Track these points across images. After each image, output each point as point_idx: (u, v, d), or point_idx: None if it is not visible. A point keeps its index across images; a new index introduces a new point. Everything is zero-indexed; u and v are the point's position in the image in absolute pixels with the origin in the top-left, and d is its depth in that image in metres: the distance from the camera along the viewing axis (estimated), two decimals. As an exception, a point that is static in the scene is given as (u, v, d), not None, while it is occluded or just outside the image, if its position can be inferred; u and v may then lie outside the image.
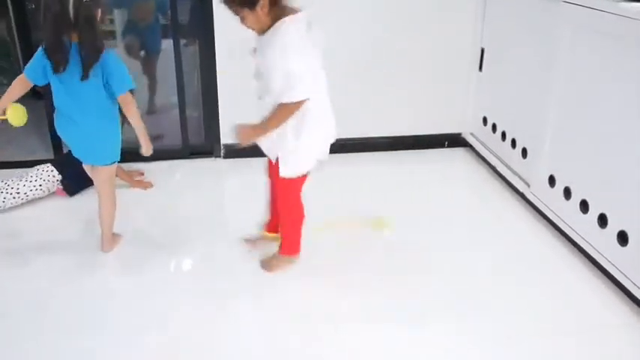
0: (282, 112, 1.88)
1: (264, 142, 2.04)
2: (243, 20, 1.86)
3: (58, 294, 2.12)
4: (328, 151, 2.13)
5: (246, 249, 2.37)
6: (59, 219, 2.65)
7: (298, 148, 1.98)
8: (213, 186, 3.08)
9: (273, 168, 2.12)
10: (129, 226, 2.51)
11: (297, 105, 1.86)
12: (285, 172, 2.02)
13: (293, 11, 1.87)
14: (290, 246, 2.24)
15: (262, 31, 1.87)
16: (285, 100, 1.85)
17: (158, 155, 3.26)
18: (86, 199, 2.74)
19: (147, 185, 2.95)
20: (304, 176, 2.09)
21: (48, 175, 2.77)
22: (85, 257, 2.33)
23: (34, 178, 2.73)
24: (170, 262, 2.35)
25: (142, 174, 3.05)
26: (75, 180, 2.77)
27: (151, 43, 3.43)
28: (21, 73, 2.08)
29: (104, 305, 2.07)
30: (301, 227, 2.21)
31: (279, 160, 2.01)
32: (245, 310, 2.09)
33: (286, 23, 1.82)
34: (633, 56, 2.01)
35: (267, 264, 2.26)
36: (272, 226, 2.38)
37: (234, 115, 3.17)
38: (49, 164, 2.81)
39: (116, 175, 2.43)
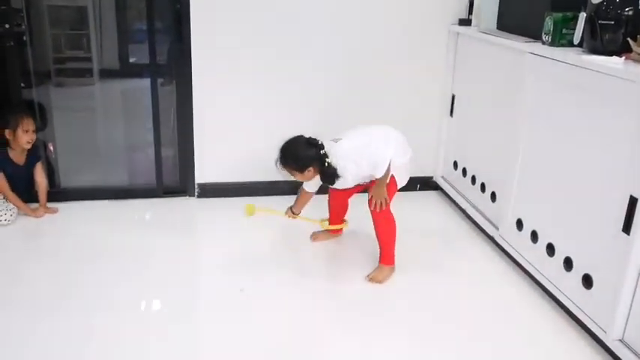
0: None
1: None
2: (294, 176, 2.48)
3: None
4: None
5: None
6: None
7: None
8: (185, 225, 3.07)
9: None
10: (96, 265, 2.51)
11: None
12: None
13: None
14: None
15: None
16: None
17: (131, 194, 3.28)
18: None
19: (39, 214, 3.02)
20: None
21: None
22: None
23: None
24: (139, 303, 2.33)
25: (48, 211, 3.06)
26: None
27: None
28: None
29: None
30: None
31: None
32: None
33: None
34: (596, 105, 2.09)
35: (375, 277, 2.53)
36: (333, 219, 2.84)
37: (209, 154, 3.24)
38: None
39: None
